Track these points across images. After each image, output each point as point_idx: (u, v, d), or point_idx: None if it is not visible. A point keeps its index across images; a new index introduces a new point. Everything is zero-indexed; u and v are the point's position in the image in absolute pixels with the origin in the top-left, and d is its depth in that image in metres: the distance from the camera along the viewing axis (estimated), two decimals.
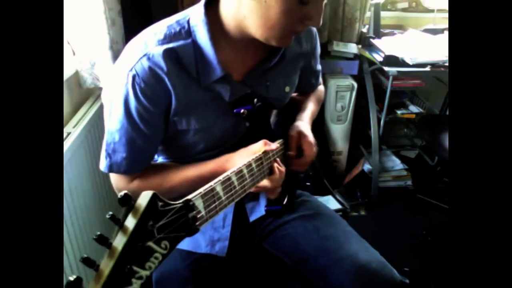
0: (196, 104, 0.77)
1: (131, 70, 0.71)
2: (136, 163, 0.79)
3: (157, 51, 0.71)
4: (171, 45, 0.72)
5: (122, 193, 0.45)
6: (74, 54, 1.37)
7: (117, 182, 0.82)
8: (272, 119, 0.95)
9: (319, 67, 1.05)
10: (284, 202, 0.89)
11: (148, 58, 0.71)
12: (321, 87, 1.14)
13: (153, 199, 0.47)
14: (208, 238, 0.89)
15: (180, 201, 0.52)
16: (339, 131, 2.16)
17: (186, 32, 0.75)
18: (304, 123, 0.94)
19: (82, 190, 1.20)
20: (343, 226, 0.94)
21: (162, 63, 0.71)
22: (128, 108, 0.73)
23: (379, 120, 1.98)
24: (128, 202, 0.45)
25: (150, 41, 0.73)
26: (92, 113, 1.32)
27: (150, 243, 0.46)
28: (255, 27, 0.71)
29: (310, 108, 1.03)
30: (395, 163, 2.19)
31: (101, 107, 1.36)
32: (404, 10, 2.33)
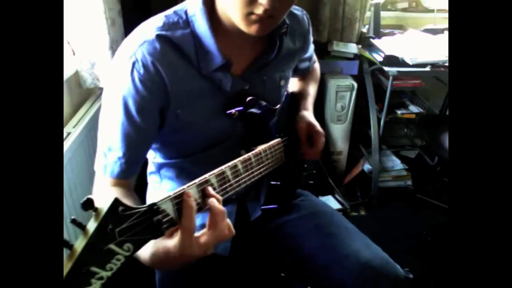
0: (196, 94, 0.77)
1: (131, 57, 0.71)
2: (129, 165, 0.75)
3: (156, 38, 0.72)
4: (169, 33, 0.73)
5: (85, 198, 0.46)
6: (74, 54, 1.37)
7: (98, 184, 0.77)
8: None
9: (311, 49, 1.05)
10: (280, 201, 0.89)
11: (148, 45, 0.71)
12: (315, 65, 1.15)
13: (114, 204, 0.48)
14: None
15: (145, 205, 0.52)
16: (339, 131, 2.16)
17: (184, 22, 0.75)
18: (309, 113, 0.97)
19: (82, 190, 1.20)
20: (344, 223, 0.94)
21: (161, 50, 0.71)
22: (125, 98, 0.72)
23: (379, 120, 1.98)
24: (90, 206, 0.47)
25: (149, 29, 0.73)
26: (92, 113, 1.32)
27: (111, 245, 0.48)
28: (230, 12, 0.71)
29: (311, 94, 1.07)
30: (395, 163, 2.19)
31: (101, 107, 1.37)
32: (404, 10, 2.33)
